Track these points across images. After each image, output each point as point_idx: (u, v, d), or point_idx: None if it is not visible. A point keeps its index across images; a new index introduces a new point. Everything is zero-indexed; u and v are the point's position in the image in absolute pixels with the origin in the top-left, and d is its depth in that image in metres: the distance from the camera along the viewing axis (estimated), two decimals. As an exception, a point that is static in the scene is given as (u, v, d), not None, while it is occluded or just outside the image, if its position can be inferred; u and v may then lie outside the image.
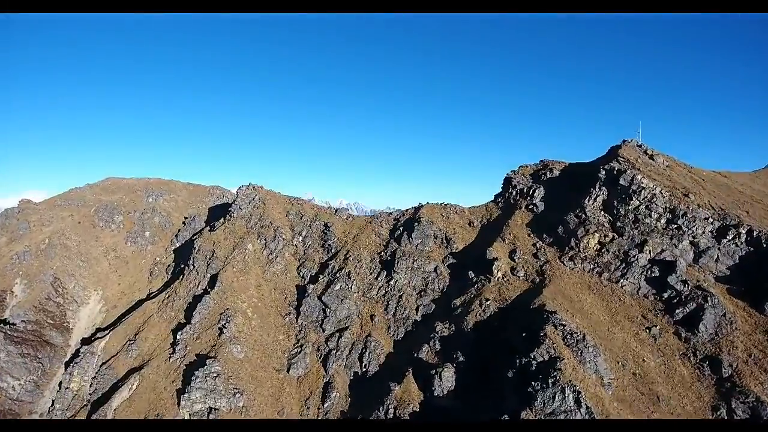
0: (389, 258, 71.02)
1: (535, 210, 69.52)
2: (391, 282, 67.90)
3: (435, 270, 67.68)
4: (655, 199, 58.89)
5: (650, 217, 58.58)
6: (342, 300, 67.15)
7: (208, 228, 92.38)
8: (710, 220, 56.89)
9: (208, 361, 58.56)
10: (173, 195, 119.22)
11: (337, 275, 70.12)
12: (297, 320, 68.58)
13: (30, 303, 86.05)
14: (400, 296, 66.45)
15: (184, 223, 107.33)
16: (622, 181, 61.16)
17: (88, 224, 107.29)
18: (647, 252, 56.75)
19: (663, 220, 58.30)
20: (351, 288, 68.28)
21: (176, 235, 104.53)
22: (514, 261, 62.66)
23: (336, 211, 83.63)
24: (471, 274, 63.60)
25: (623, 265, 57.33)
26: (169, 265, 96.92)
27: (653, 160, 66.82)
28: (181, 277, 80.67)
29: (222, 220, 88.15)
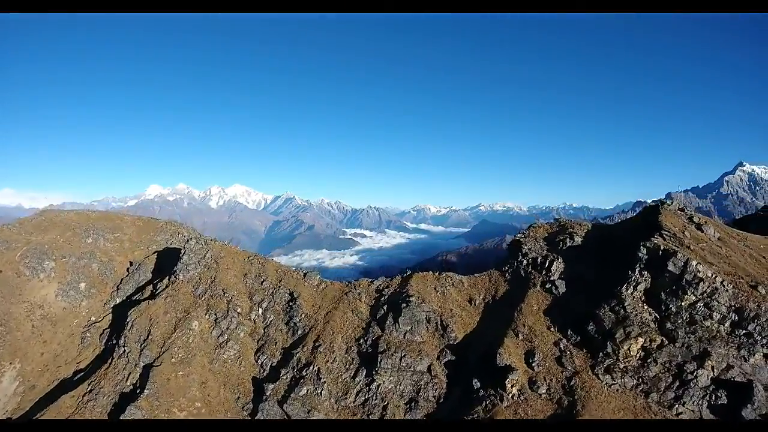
0: (370, 349, 56.03)
1: (554, 291, 55.30)
2: (373, 386, 52.92)
3: (429, 370, 53.00)
4: (716, 295, 45.23)
5: (711, 319, 44.94)
6: (309, 411, 51.89)
7: (151, 288, 75.99)
8: (789, 324, 43.62)
9: None
10: (118, 234, 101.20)
11: (304, 373, 54.87)
12: (251, 433, 53.11)
13: None
14: (385, 407, 51.51)
15: (128, 270, 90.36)
16: (671, 267, 47.30)
17: (12, 273, 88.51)
18: (709, 368, 43.13)
19: (727, 323, 44.72)
20: (321, 393, 53.11)
21: (117, 287, 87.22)
22: (532, 369, 48.37)
23: (305, 275, 68.09)
24: (476, 383, 49.13)
25: (677, 382, 43.60)
26: (104, 330, 79.93)
27: (702, 230, 53.28)
28: (109, 361, 64.23)
29: (166, 281, 71.88)
